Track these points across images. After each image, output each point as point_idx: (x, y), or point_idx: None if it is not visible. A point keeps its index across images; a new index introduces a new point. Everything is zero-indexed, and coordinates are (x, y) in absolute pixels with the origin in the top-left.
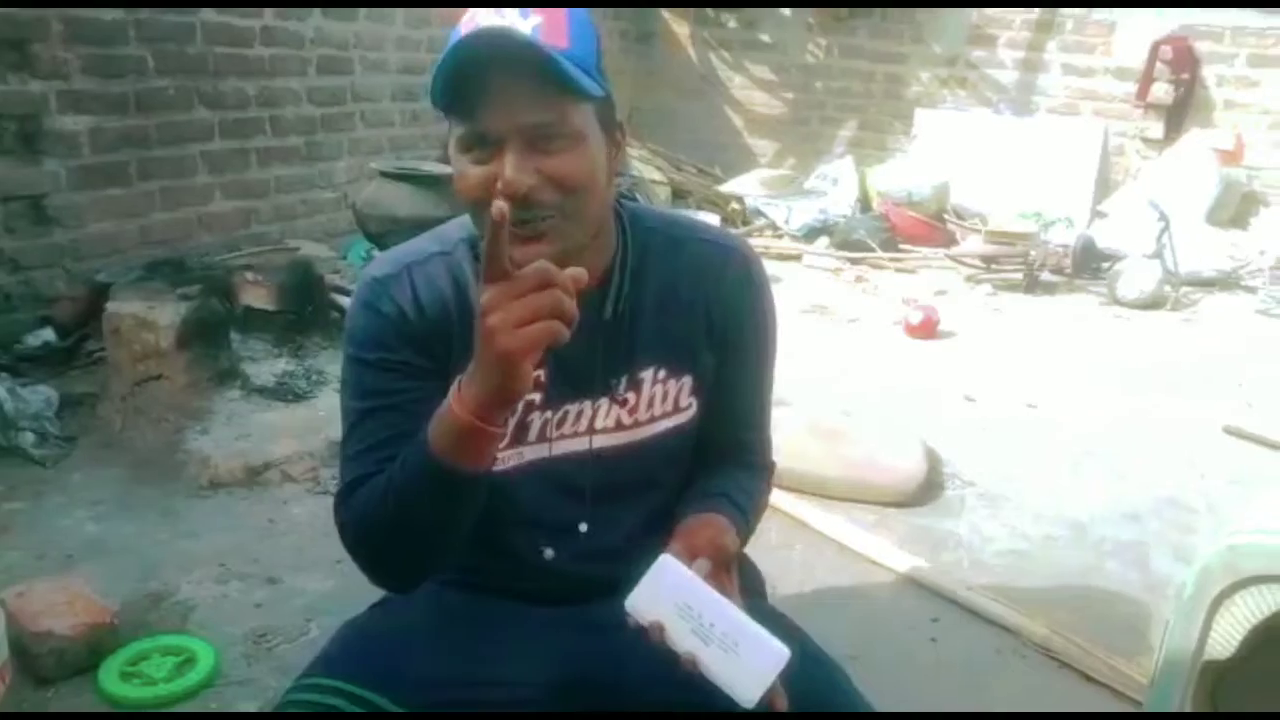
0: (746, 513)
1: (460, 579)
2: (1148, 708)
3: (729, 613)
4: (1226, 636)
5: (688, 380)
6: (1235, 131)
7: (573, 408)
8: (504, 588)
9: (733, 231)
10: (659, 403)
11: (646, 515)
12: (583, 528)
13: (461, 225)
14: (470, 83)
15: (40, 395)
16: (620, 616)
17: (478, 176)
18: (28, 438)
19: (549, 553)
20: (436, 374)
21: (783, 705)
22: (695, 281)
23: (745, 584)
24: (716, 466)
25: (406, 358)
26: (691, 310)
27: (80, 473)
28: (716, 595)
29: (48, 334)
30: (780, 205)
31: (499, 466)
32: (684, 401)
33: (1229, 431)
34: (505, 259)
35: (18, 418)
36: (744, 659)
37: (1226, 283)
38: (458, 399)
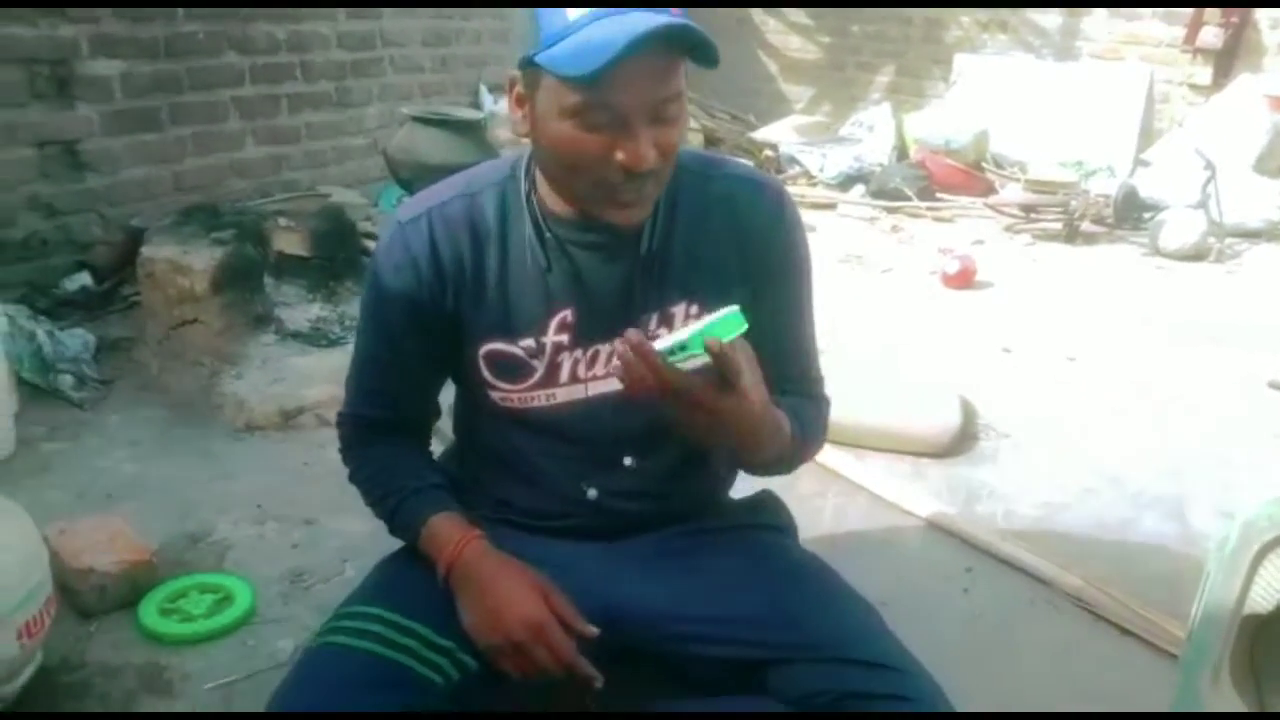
0: (796, 413)
1: (496, 515)
2: (1184, 661)
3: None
4: (1268, 589)
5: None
6: None
7: (604, 347)
8: (542, 524)
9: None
10: None
11: (685, 453)
12: (628, 461)
13: (496, 169)
14: (611, 55)
15: (78, 338)
16: (655, 549)
17: (598, 146)
18: (66, 380)
19: (592, 492)
20: (446, 325)
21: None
22: (727, 216)
23: (776, 523)
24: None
25: (414, 315)
26: (723, 245)
27: (118, 415)
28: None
29: (84, 278)
30: (815, 153)
31: (536, 404)
32: None
33: (1274, 386)
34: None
35: (56, 360)
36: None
37: (1274, 233)
38: (448, 569)
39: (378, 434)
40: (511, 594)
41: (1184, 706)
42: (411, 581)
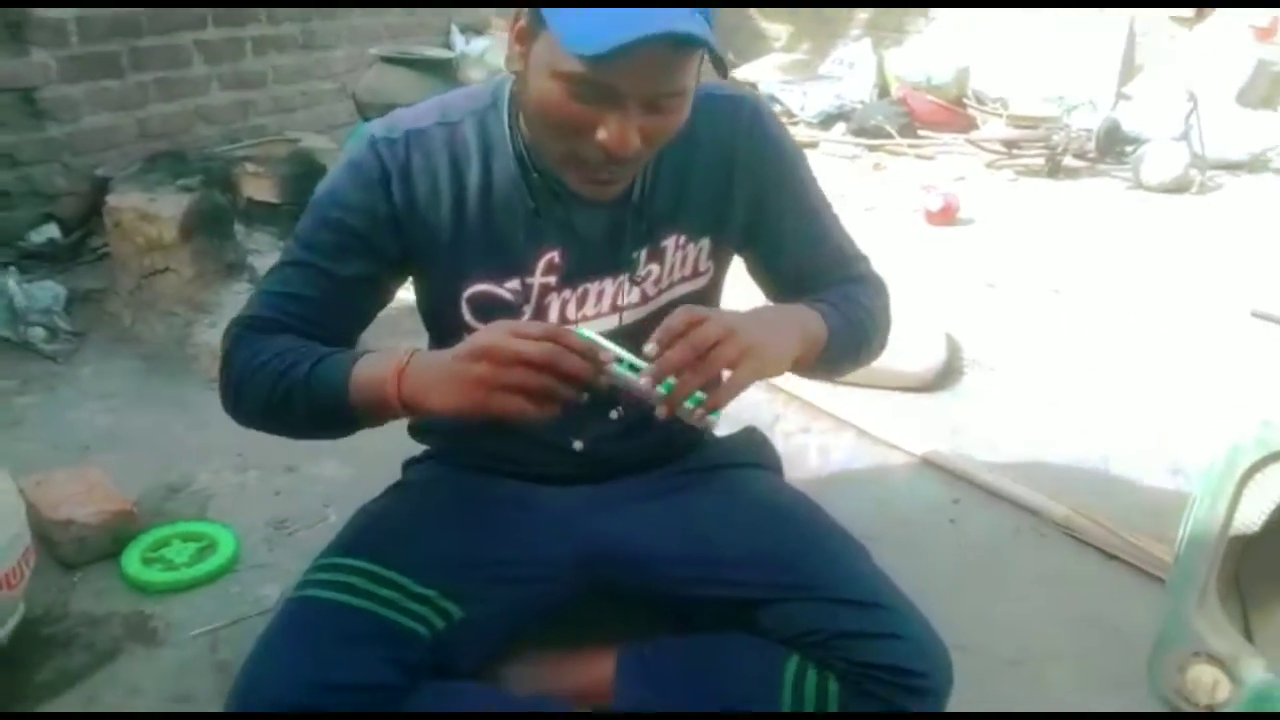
0: (837, 305)
1: (481, 463)
2: (1171, 584)
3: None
4: (1254, 510)
5: (705, 243)
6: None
7: (593, 286)
8: (527, 471)
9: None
10: (679, 268)
11: None
12: (613, 414)
13: (472, 97)
14: (619, 42)
15: (48, 290)
16: (641, 490)
17: (583, 118)
18: (38, 333)
19: (578, 444)
20: (398, 259)
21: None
22: (711, 139)
23: (762, 461)
24: (814, 293)
25: (369, 232)
26: (711, 169)
27: (91, 367)
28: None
29: (52, 230)
30: (795, 91)
31: None
32: (702, 265)
33: (1257, 316)
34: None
35: (27, 312)
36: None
37: (1255, 165)
38: (397, 375)
39: (281, 334)
40: (473, 338)
41: (1172, 629)
42: (391, 529)
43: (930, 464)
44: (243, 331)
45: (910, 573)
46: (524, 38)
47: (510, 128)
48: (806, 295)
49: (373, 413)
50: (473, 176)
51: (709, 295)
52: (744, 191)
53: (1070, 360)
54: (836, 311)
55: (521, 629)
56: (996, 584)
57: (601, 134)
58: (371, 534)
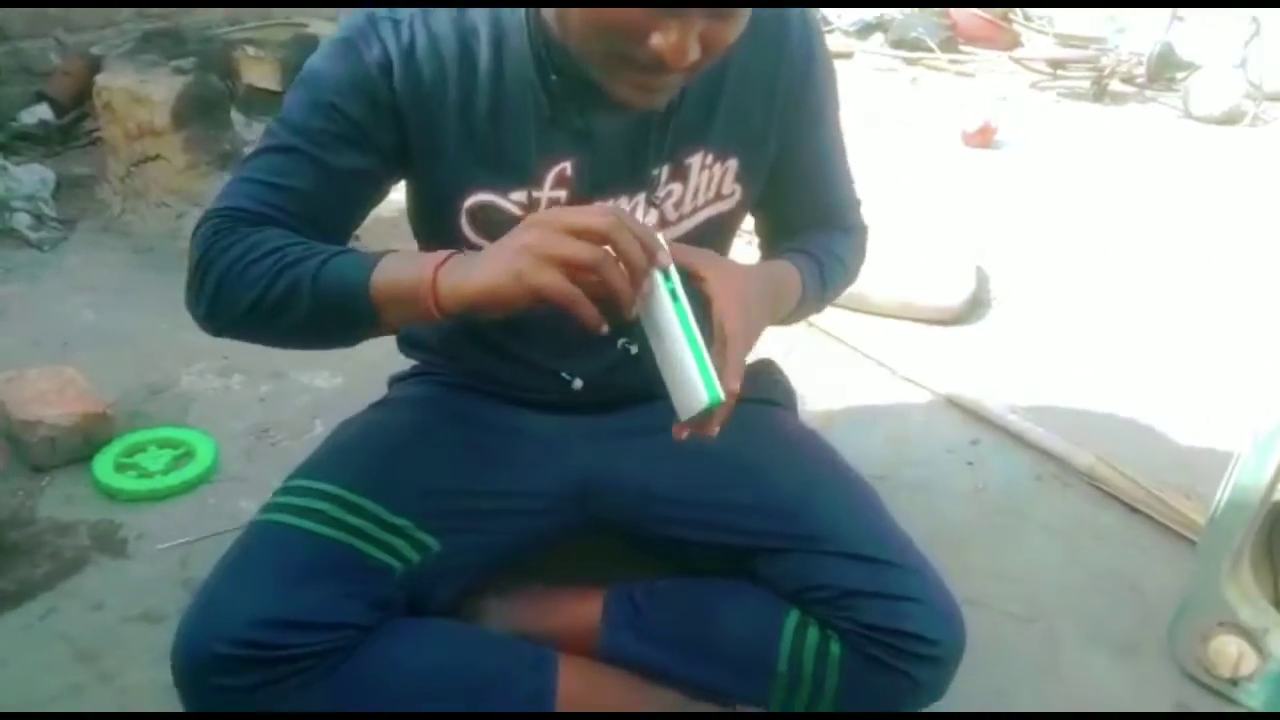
0: (819, 259)
1: (472, 383)
2: (1203, 546)
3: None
4: None
5: (733, 164)
6: None
7: (609, 204)
8: (521, 396)
9: None
10: (703, 191)
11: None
12: (622, 343)
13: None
14: None
15: (35, 175)
16: (643, 423)
17: (637, 19)
18: (23, 219)
19: (577, 383)
20: (395, 153)
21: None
22: (755, 51)
23: (774, 396)
24: (806, 233)
25: (364, 119)
26: (750, 84)
27: (78, 257)
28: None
29: (44, 111)
30: None
31: None
32: (727, 188)
33: None
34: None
35: (10, 198)
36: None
37: None
38: (436, 267)
39: (271, 227)
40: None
41: (1199, 594)
42: (367, 450)
43: (951, 402)
44: (224, 223)
45: (922, 516)
46: None
47: (527, 19)
48: (795, 236)
49: (397, 311)
50: (483, 71)
51: (733, 221)
52: (782, 114)
53: (1106, 298)
54: (815, 270)
55: (503, 564)
56: (1012, 533)
57: (657, 39)
58: (346, 455)
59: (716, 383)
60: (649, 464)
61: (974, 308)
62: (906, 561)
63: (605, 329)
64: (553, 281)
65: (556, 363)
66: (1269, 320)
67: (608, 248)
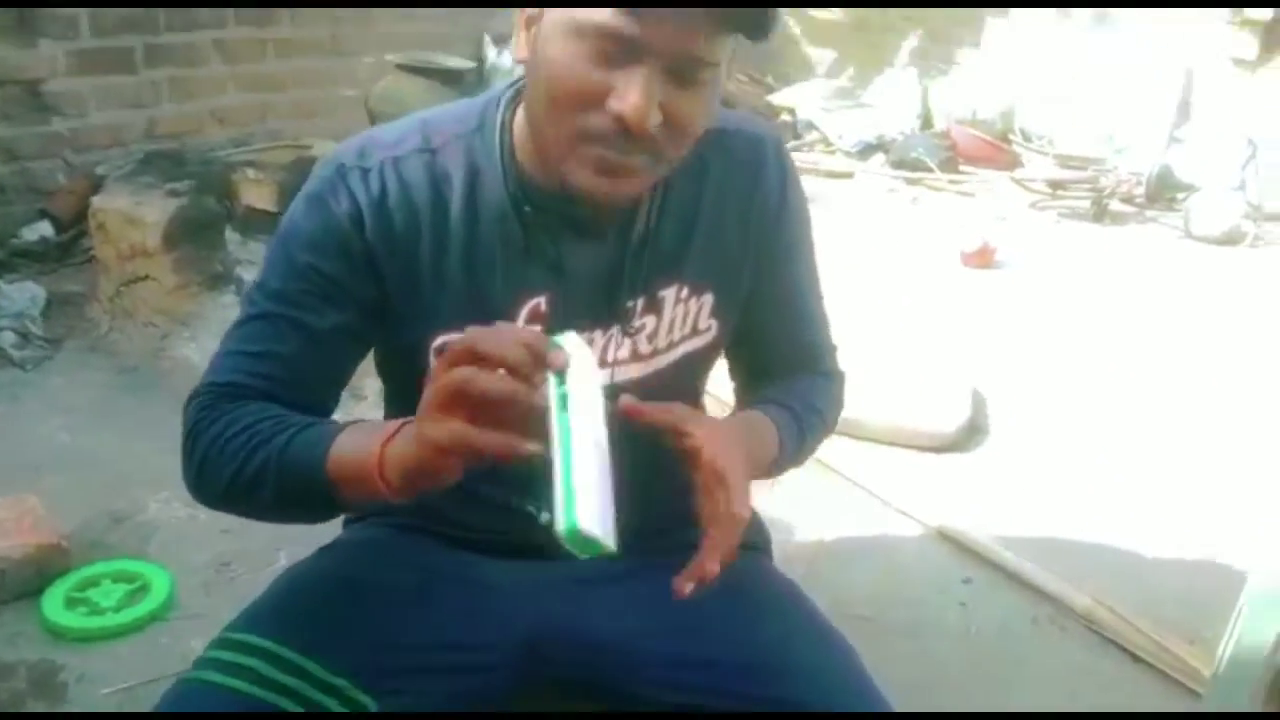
0: (797, 413)
1: (428, 526)
2: (1210, 703)
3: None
4: None
5: (709, 299)
6: None
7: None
8: (476, 540)
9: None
10: (678, 326)
11: (662, 456)
12: (544, 518)
13: (458, 118)
14: None
15: (26, 293)
16: (608, 569)
17: (597, 82)
18: (8, 338)
19: (546, 515)
20: (376, 304)
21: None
22: (726, 178)
23: (749, 540)
24: (781, 378)
25: (341, 275)
26: (725, 213)
27: (62, 377)
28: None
29: (45, 228)
30: (835, 119)
31: None
32: (703, 323)
33: None
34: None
35: None
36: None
37: None
38: (383, 448)
39: (253, 402)
40: None
41: None
42: (307, 601)
43: (943, 536)
44: (208, 399)
45: (914, 662)
46: (532, 21)
47: (500, 153)
48: (771, 382)
49: (353, 491)
50: (455, 211)
51: (709, 358)
52: (756, 245)
53: (1106, 425)
54: (793, 426)
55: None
56: (1008, 681)
57: (615, 103)
58: (285, 606)
59: (578, 511)
60: (614, 615)
61: (970, 434)
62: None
63: (528, 449)
64: (446, 431)
65: (523, 504)
66: (1274, 446)
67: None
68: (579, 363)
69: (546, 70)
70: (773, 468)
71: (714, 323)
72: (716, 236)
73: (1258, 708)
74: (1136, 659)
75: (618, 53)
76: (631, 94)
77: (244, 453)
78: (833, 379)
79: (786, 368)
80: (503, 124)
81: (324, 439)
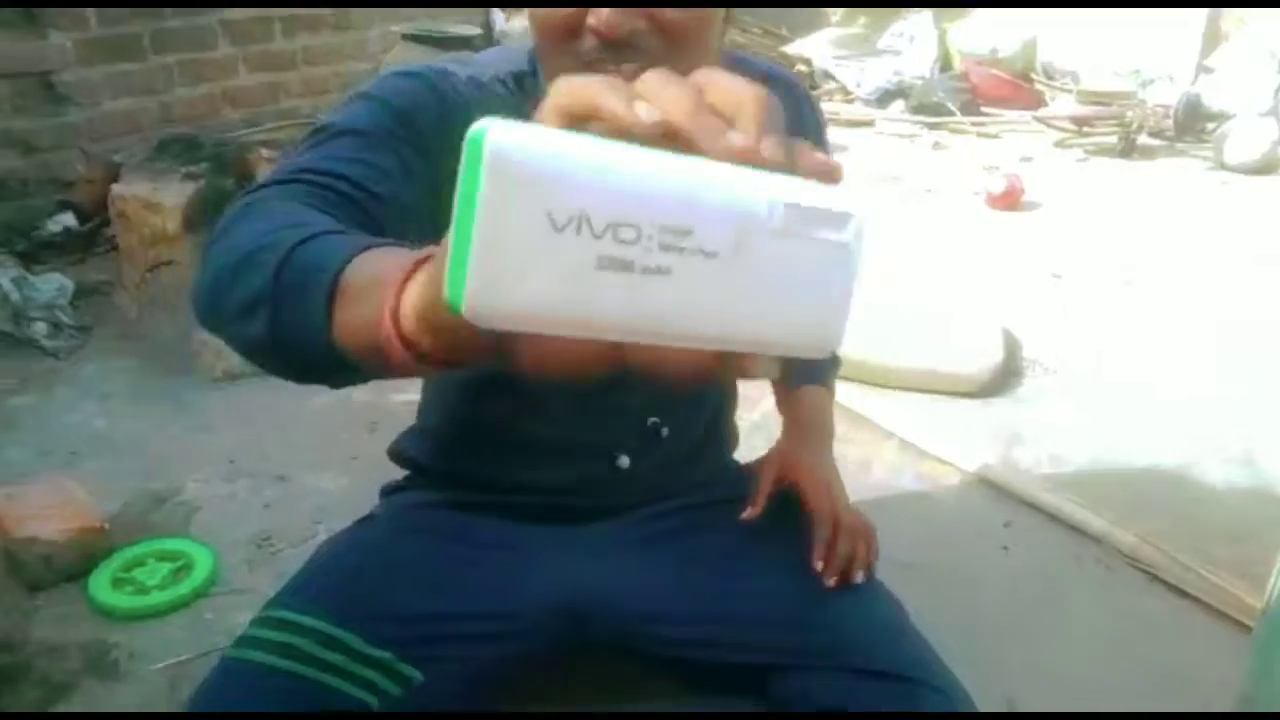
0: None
1: (464, 497)
2: (1257, 640)
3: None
4: None
5: None
6: None
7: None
8: (523, 505)
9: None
10: None
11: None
12: (661, 429)
13: (512, 61)
14: None
15: (53, 284)
16: (643, 533)
17: (570, 11)
18: (40, 328)
19: (623, 460)
20: (432, 202)
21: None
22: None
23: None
24: None
25: (423, 149)
26: None
27: (93, 364)
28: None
29: (68, 219)
30: (852, 67)
31: None
32: None
33: None
34: None
35: (27, 308)
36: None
37: None
38: (416, 266)
39: (318, 199)
40: None
41: (1256, 692)
42: (346, 575)
43: (982, 481)
44: (274, 190)
45: (956, 608)
46: None
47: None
48: None
49: (354, 312)
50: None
51: None
52: None
53: (1144, 361)
54: (831, 366)
55: (491, 690)
56: (1053, 624)
57: (591, 19)
58: (324, 580)
59: None
60: (648, 580)
61: (1004, 377)
62: (923, 676)
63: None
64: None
65: (600, 443)
66: None
67: None
68: None
69: (534, 17)
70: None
71: None
72: None
73: None
74: (1185, 595)
75: None
76: (604, 15)
77: (259, 230)
78: None
79: None
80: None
81: (359, 245)
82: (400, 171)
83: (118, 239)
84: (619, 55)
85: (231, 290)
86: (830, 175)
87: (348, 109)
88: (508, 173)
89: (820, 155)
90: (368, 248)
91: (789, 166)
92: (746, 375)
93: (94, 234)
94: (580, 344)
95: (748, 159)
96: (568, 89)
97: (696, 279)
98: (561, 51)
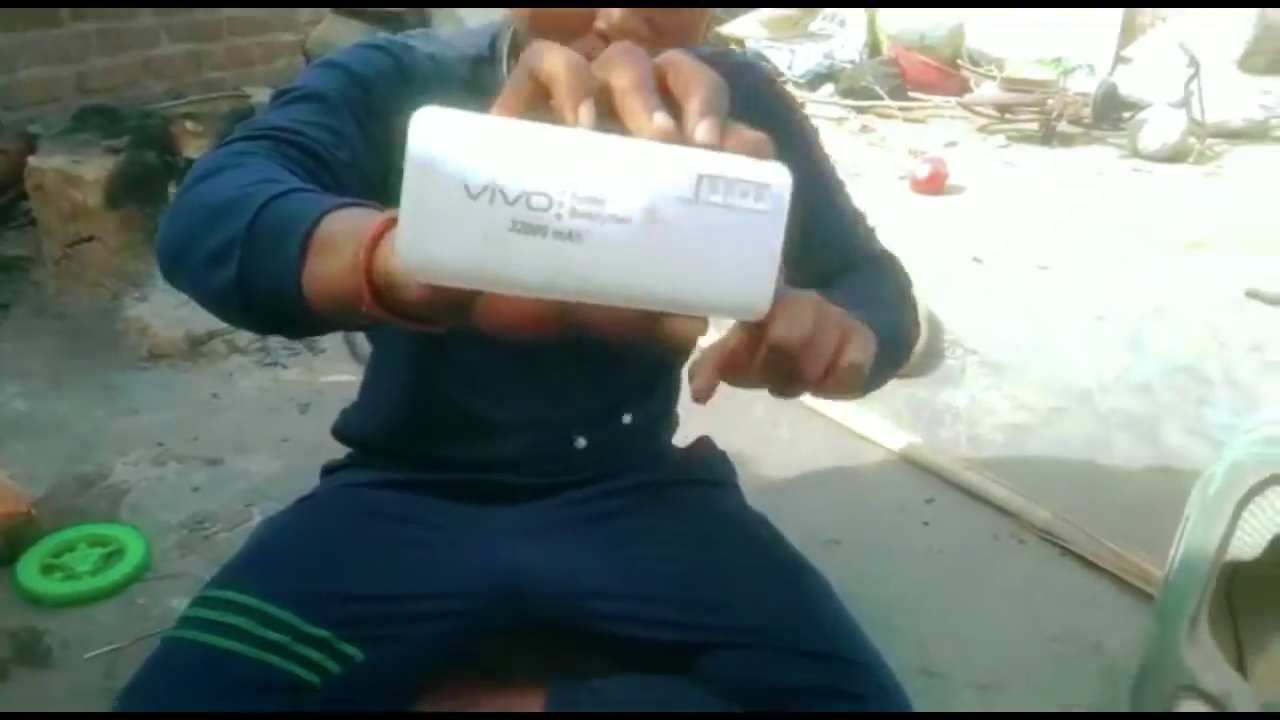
0: (864, 307)
1: (406, 476)
2: (1159, 609)
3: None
4: (1254, 536)
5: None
6: None
7: None
8: (456, 485)
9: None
10: None
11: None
12: (624, 417)
13: (473, 45)
14: None
15: None
16: (577, 514)
17: (574, 12)
18: None
19: (581, 441)
20: (364, 145)
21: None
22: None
23: (714, 476)
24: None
25: (377, 115)
26: None
27: (10, 343)
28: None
29: None
30: (783, 49)
31: None
32: None
33: (1251, 295)
34: None
35: None
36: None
37: (1256, 134)
38: (371, 243)
39: (283, 158)
40: None
41: (1158, 658)
42: (286, 555)
43: (906, 459)
44: (242, 144)
45: (877, 581)
46: None
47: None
48: (830, 270)
49: (324, 265)
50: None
51: None
52: None
53: (1056, 342)
54: (870, 316)
55: (433, 667)
56: (970, 596)
57: (601, 22)
58: (264, 560)
59: None
60: (583, 560)
61: (926, 358)
62: (851, 654)
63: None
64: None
65: (559, 421)
66: (1217, 357)
67: None
68: None
69: (536, 9)
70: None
71: None
72: None
73: (1205, 606)
74: (1094, 567)
75: None
76: (615, 11)
77: (233, 181)
78: (883, 261)
79: (830, 270)
80: (507, 56)
81: (334, 202)
82: (359, 137)
83: (35, 213)
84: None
85: (202, 238)
86: (757, 149)
87: (311, 74)
88: (429, 148)
89: (750, 132)
90: (342, 205)
91: (719, 145)
92: (676, 334)
93: (9, 208)
94: (527, 302)
95: (670, 137)
96: (533, 64)
97: (609, 243)
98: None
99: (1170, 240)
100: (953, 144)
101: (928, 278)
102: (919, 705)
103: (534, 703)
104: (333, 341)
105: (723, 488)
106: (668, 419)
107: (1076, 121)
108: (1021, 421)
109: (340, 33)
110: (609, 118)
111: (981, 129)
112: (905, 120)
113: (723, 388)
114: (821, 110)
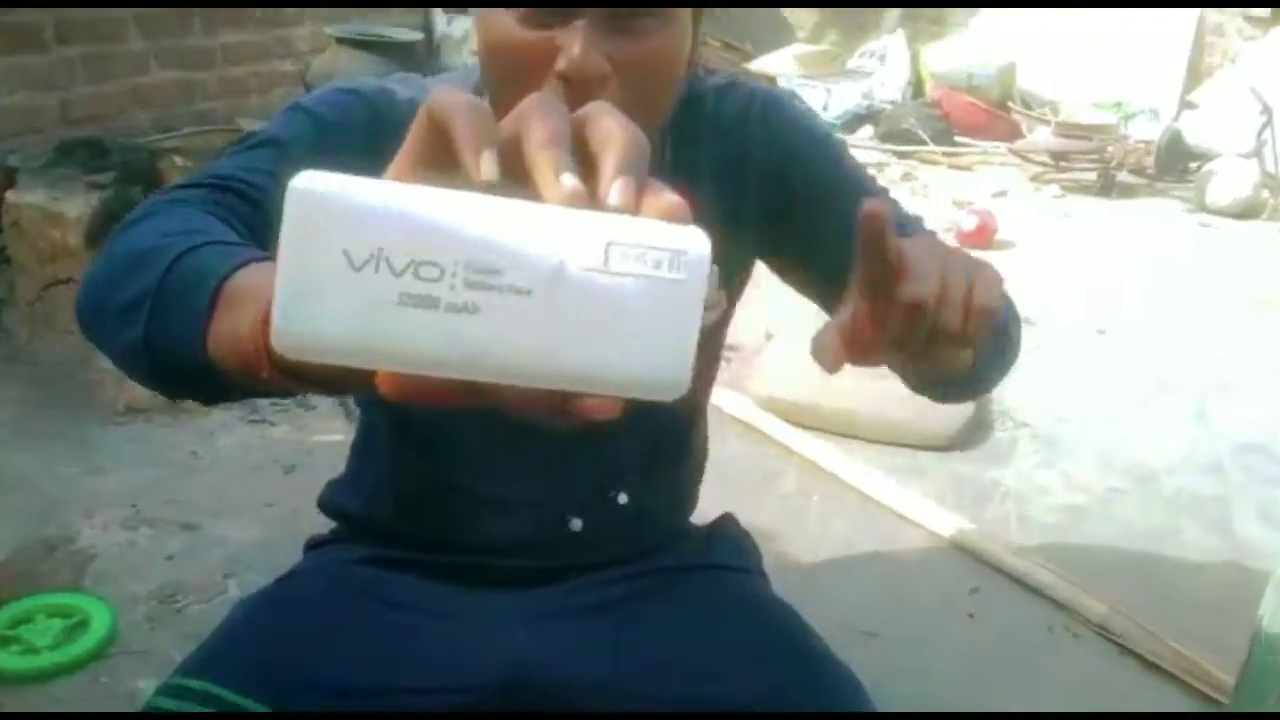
0: None
1: (398, 555)
2: (1236, 709)
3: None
4: None
5: (714, 271)
6: None
7: None
8: (467, 565)
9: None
10: None
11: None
12: (618, 496)
13: (457, 82)
14: None
15: None
16: (589, 600)
17: (530, 45)
18: None
19: (575, 523)
20: None
21: None
22: (717, 136)
23: (738, 561)
24: None
25: (335, 155)
26: (720, 170)
27: None
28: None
29: None
30: (818, 88)
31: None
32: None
33: None
34: None
35: None
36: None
37: None
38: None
39: (225, 208)
40: None
41: None
42: (261, 643)
43: (948, 541)
44: (181, 194)
45: (918, 679)
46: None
47: None
48: None
49: (227, 321)
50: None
51: (720, 330)
52: (758, 189)
53: (1116, 415)
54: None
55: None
56: (1017, 696)
57: (561, 62)
58: (242, 646)
59: None
60: (594, 650)
61: (973, 431)
62: None
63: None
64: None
65: (551, 505)
66: None
67: None
68: None
69: (488, 48)
70: None
71: (721, 294)
72: (715, 195)
73: None
74: (1156, 669)
75: (545, 14)
76: (574, 47)
77: (153, 232)
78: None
79: None
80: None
81: (249, 256)
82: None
83: (9, 251)
84: (579, 97)
85: (118, 290)
86: (674, 214)
87: (278, 119)
88: (306, 215)
89: (668, 195)
90: (261, 259)
91: (633, 208)
92: (586, 415)
93: None
94: (424, 376)
95: (577, 201)
96: (432, 109)
97: (508, 316)
98: (517, 85)
99: (1240, 302)
100: (1002, 194)
101: None
102: None
103: None
104: (324, 398)
105: (745, 574)
106: (677, 499)
107: (1138, 171)
108: (1076, 503)
109: (344, 64)
110: (522, 178)
111: (1034, 178)
112: (950, 167)
113: (739, 456)
114: (860, 155)
